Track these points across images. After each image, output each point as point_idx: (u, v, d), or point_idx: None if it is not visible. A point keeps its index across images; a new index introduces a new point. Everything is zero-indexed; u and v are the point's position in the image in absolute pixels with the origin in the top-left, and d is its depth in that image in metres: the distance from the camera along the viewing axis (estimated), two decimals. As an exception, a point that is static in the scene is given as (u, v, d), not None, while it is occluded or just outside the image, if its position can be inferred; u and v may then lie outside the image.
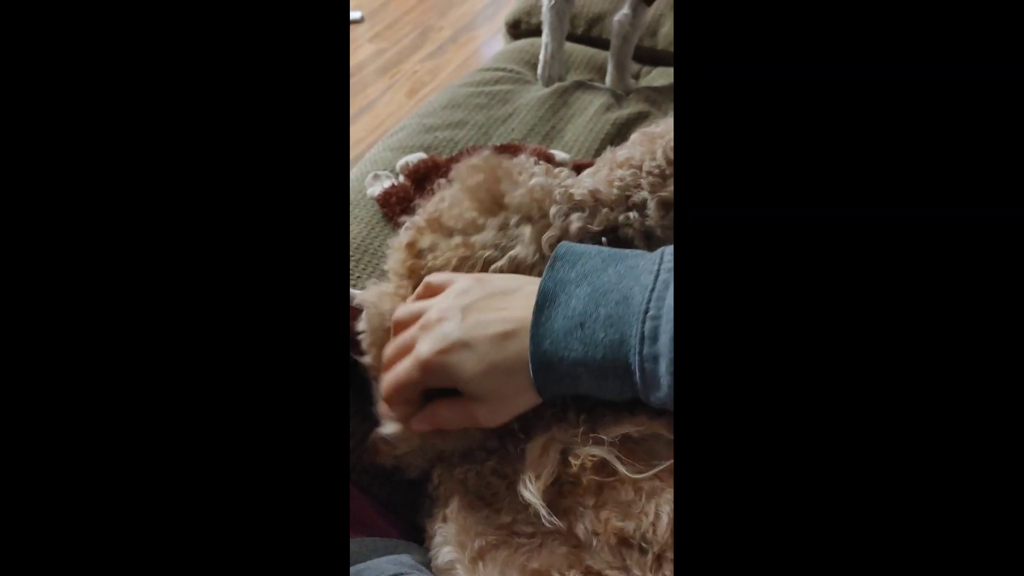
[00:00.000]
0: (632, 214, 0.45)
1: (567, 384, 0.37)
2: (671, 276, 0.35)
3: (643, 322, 0.34)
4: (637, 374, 0.34)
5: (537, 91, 0.93)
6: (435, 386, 0.41)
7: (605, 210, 0.45)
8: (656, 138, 0.48)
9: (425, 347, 0.40)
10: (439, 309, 0.40)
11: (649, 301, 0.34)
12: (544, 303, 0.37)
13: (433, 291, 0.43)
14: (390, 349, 0.44)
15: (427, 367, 0.40)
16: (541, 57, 0.96)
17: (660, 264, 0.36)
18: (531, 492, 0.39)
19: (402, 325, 0.44)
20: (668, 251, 0.37)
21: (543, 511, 0.40)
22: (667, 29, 1.06)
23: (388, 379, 0.43)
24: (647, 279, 0.35)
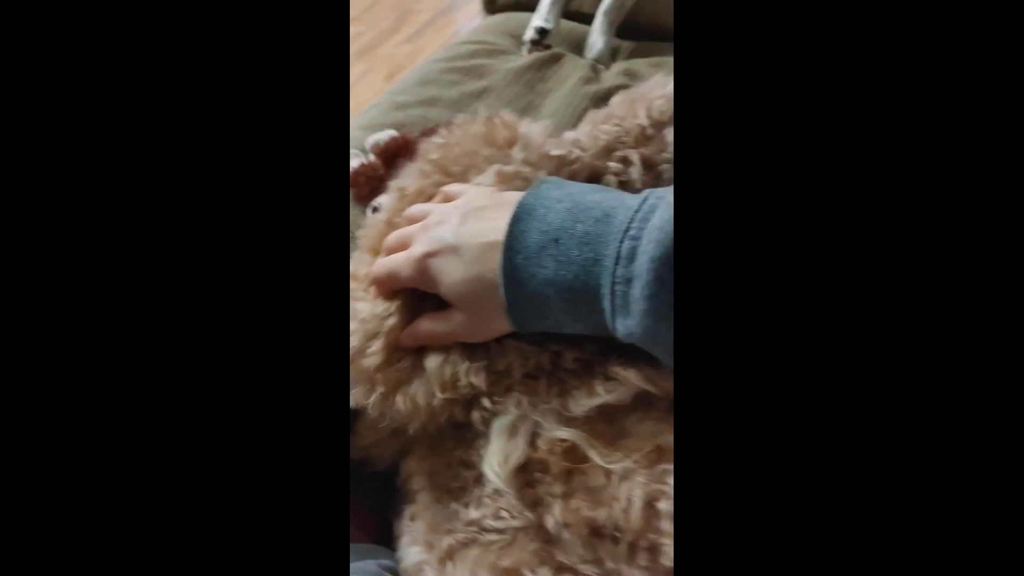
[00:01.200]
0: (614, 164, 0.43)
1: (536, 307, 0.35)
2: (660, 203, 0.32)
3: (621, 241, 0.31)
4: (607, 298, 0.32)
5: (514, 62, 0.89)
6: (421, 287, 0.40)
7: (587, 157, 0.43)
8: (638, 99, 0.47)
9: (418, 247, 0.39)
10: (441, 212, 0.39)
11: (631, 221, 0.32)
12: (522, 215, 0.35)
13: (448, 199, 0.42)
14: (391, 239, 0.43)
15: (417, 266, 0.39)
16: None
17: (651, 193, 0.33)
18: (497, 475, 0.37)
19: (412, 221, 0.43)
20: (662, 189, 0.34)
21: (512, 497, 0.37)
22: (647, 2, 1.03)
23: (380, 264, 0.42)
24: (633, 202, 0.33)
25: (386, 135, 0.76)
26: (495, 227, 0.35)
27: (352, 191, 0.71)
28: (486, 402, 0.39)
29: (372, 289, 0.43)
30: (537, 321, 0.36)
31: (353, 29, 2.13)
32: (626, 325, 0.32)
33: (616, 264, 0.31)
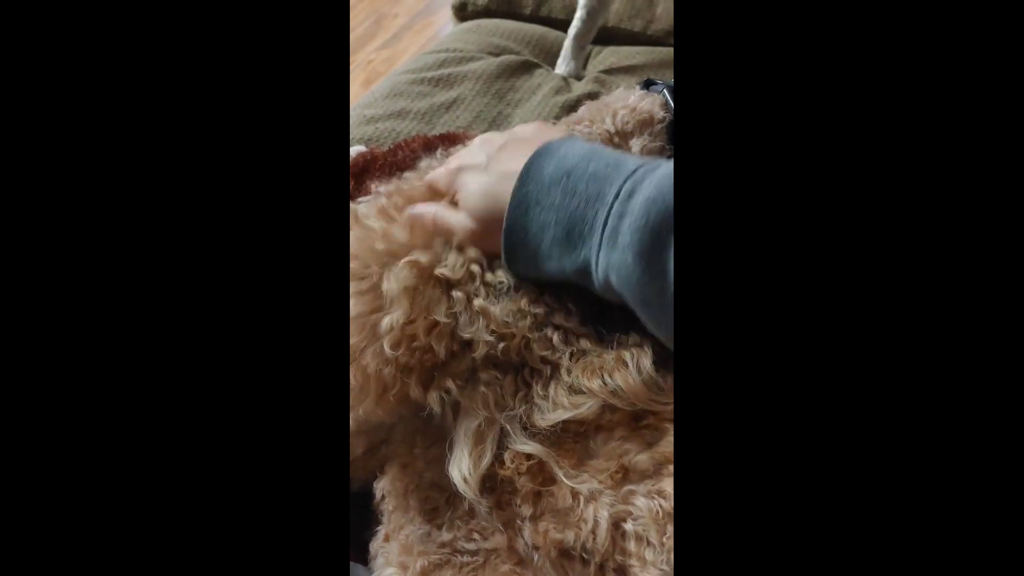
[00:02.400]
0: None
1: (532, 241, 0.37)
2: (671, 165, 0.34)
3: (624, 181, 0.34)
4: (599, 230, 0.34)
5: (483, 68, 0.89)
6: (446, 193, 0.43)
7: None
8: (606, 106, 0.48)
9: (457, 161, 0.44)
10: (488, 140, 0.44)
11: (638, 168, 0.35)
12: (544, 152, 0.38)
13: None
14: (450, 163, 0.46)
15: (451, 175, 0.43)
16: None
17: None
18: (464, 479, 0.37)
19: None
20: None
21: (483, 511, 0.37)
22: (617, 5, 1.03)
23: (428, 175, 0.46)
24: (645, 159, 0.36)
25: (355, 151, 0.76)
26: (520, 158, 0.39)
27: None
28: (449, 383, 0.38)
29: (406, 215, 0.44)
30: (526, 255, 0.38)
31: (327, 36, 2.12)
32: (608, 259, 0.34)
33: (615, 199, 0.34)
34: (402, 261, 0.39)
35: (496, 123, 0.82)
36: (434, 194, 0.45)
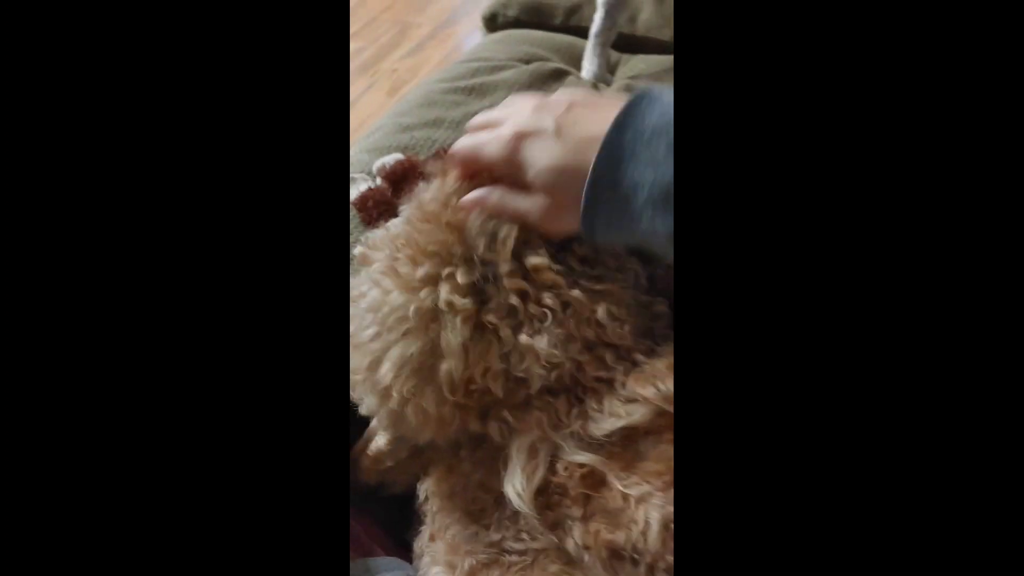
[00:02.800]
0: None
1: (621, 197, 0.32)
2: None
3: None
4: None
5: (515, 77, 0.90)
6: (502, 169, 0.38)
7: None
8: None
9: (511, 127, 0.37)
10: (541, 100, 0.38)
11: None
12: (645, 99, 0.33)
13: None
14: (478, 119, 0.41)
15: (507, 145, 0.37)
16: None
17: None
18: (519, 494, 0.38)
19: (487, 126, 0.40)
20: None
21: (534, 518, 0.38)
22: (647, 15, 1.04)
23: (464, 141, 0.40)
24: None
25: (392, 158, 0.77)
26: (602, 125, 0.33)
27: (360, 215, 0.72)
28: (506, 414, 0.39)
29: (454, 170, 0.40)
30: (610, 212, 0.33)
31: (353, 45, 2.15)
32: None
33: None
34: (454, 308, 0.37)
35: (529, 132, 0.83)
36: (489, 166, 0.39)
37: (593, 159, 0.33)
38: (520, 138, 0.36)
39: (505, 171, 0.38)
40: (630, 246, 0.39)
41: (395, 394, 0.38)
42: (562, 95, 0.37)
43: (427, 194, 0.42)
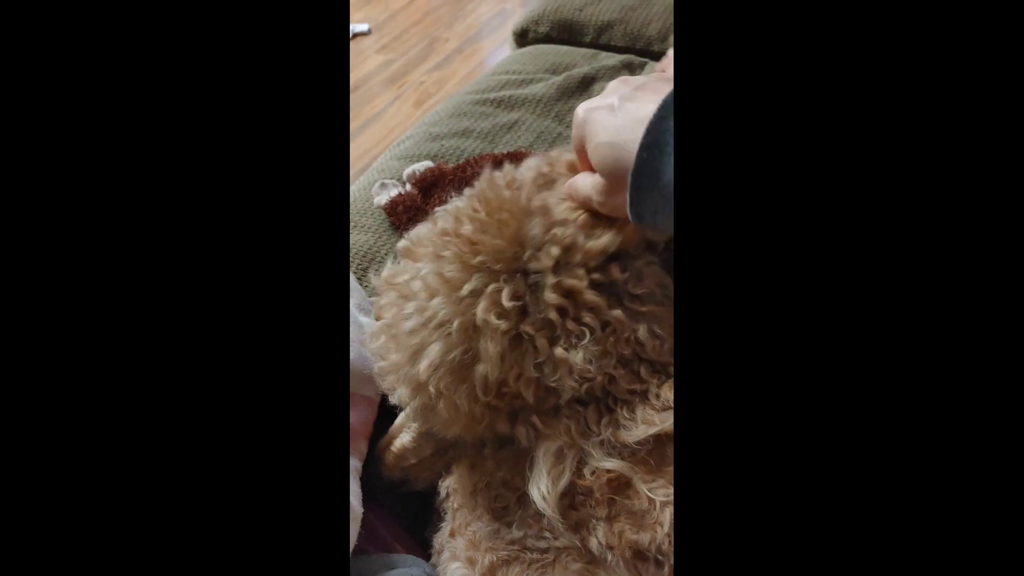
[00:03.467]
0: None
1: (666, 188, 0.32)
2: None
3: None
4: None
5: (542, 92, 0.92)
6: (577, 141, 0.38)
7: None
8: None
9: (589, 104, 0.38)
10: (624, 80, 0.38)
11: None
12: None
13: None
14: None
15: (582, 116, 0.37)
16: None
17: None
18: (544, 497, 0.38)
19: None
20: None
21: (558, 521, 0.38)
22: (659, 24, 1.06)
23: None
24: None
25: (422, 166, 0.79)
26: (653, 100, 0.33)
27: (390, 219, 0.74)
28: (535, 420, 0.39)
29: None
30: (655, 199, 0.33)
31: (382, 57, 2.18)
32: None
33: None
34: (493, 326, 0.38)
35: (556, 144, 0.85)
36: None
37: (636, 138, 0.32)
38: (591, 110, 0.37)
39: (577, 141, 0.38)
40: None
41: (431, 389, 0.39)
42: (642, 78, 0.38)
43: (489, 187, 0.42)
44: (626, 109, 0.34)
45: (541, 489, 0.38)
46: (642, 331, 0.38)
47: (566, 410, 0.39)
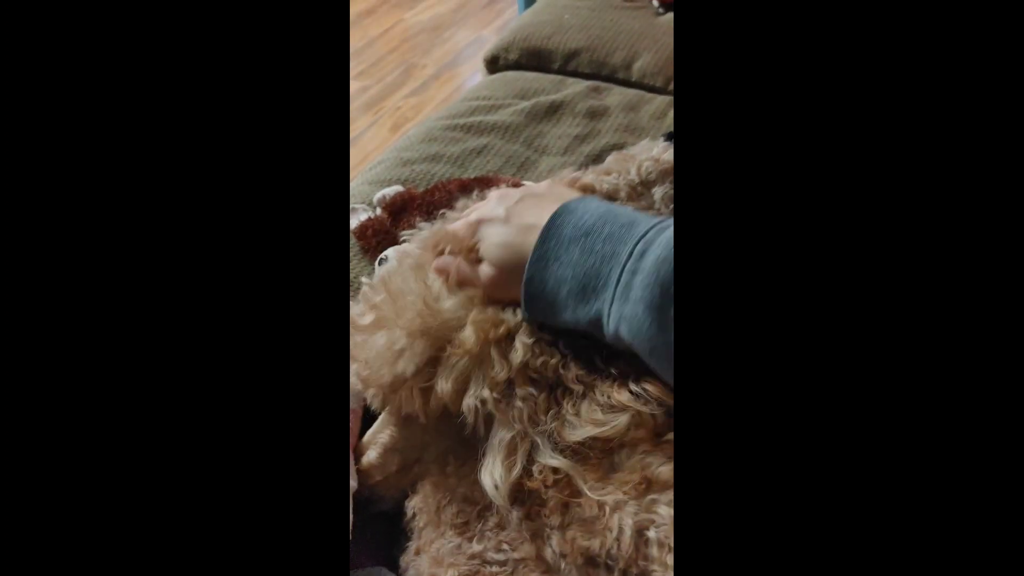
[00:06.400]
0: None
1: (550, 292, 0.41)
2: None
3: (637, 242, 0.38)
4: (612, 286, 0.38)
5: (511, 119, 0.94)
6: (466, 244, 0.47)
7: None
8: (632, 158, 0.52)
9: (476, 215, 0.47)
10: (503, 194, 0.47)
11: (650, 228, 0.38)
12: (564, 212, 0.42)
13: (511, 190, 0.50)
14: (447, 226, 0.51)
15: (471, 228, 0.47)
16: None
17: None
18: (496, 485, 0.40)
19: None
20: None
21: (506, 508, 0.40)
22: (641, 63, 1.09)
23: (444, 230, 0.50)
24: (656, 219, 0.40)
25: (392, 190, 0.81)
26: (540, 215, 0.42)
27: (360, 244, 0.75)
28: (485, 393, 0.42)
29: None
30: (543, 304, 0.42)
31: (360, 83, 2.21)
32: (621, 312, 0.38)
33: (628, 258, 0.38)
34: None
35: (524, 167, 0.87)
36: (455, 241, 0.48)
37: (529, 242, 0.42)
38: (480, 222, 0.46)
39: (467, 244, 0.47)
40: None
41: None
42: (520, 190, 0.47)
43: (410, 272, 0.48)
44: (514, 221, 0.44)
45: (494, 476, 0.39)
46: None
47: (519, 391, 0.41)
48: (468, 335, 0.43)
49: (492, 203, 0.47)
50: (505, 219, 0.45)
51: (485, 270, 0.45)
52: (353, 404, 0.56)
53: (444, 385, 0.43)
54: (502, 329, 0.43)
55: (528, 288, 0.42)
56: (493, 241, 0.44)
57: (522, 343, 0.42)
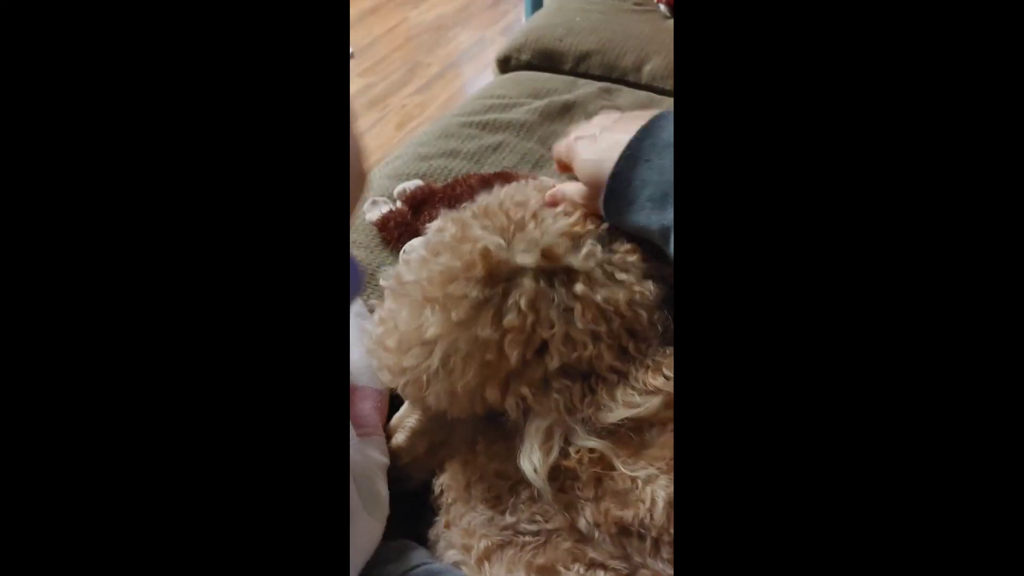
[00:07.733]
0: None
1: (633, 191, 0.41)
2: None
3: None
4: None
5: (525, 117, 0.97)
6: (566, 161, 0.49)
7: None
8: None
9: (574, 134, 0.49)
10: (601, 119, 0.49)
11: None
12: (665, 118, 0.42)
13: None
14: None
15: (568, 144, 0.48)
16: None
17: None
18: (535, 469, 0.42)
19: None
20: None
21: (548, 494, 0.42)
22: (652, 66, 1.12)
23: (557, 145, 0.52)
24: None
25: (412, 184, 0.83)
26: (632, 129, 0.43)
27: (381, 235, 0.77)
28: (526, 391, 0.43)
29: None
30: (622, 203, 0.42)
31: (365, 81, 2.23)
32: None
33: None
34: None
35: (539, 164, 0.89)
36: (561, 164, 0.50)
37: (614, 156, 0.42)
38: (577, 139, 0.48)
39: (567, 160, 0.49)
40: (634, 234, 0.46)
41: (435, 355, 0.44)
42: (616, 114, 0.49)
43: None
44: (605, 137, 0.45)
45: (533, 461, 0.41)
46: (622, 298, 0.43)
47: (555, 383, 0.43)
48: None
49: (593, 122, 0.48)
50: (596, 136, 0.46)
51: (579, 187, 0.46)
52: (379, 384, 0.58)
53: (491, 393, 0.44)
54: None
55: (612, 183, 0.42)
56: (583, 157, 0.45)
57: (557, 351, 0.43)
